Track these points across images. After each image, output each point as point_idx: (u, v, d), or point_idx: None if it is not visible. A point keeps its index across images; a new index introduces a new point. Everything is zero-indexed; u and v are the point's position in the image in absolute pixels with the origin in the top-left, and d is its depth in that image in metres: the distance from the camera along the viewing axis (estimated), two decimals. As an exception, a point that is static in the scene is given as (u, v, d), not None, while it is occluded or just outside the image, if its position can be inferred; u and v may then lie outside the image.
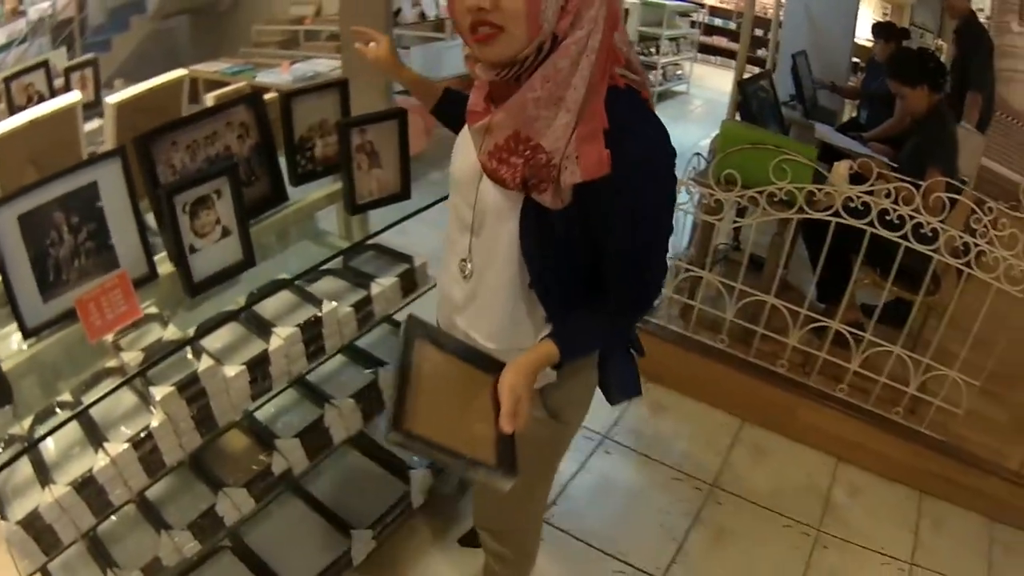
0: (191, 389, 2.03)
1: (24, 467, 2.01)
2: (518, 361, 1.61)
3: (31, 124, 2.20)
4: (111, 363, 2.10)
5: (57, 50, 8.00)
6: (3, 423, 1.90)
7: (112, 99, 2.21)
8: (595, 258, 1.63)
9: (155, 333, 2.14)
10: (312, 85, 2.52)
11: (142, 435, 1.97)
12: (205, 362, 2.07)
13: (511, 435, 1.54)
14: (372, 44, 2.24)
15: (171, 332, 2.14)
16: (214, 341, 2.20)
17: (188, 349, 2.14)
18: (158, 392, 1.98)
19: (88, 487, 1.92)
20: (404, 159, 2.57)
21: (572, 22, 1.43)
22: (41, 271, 1.87)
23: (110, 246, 1.97)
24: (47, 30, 11.01)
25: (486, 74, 1.52)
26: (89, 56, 4.68)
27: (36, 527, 1.87)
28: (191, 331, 2.14)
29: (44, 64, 4.52)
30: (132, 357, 2.05)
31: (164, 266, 2.10)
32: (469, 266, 1.75)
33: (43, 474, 1.96)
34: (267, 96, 2.39)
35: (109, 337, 2.08)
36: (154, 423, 1.98)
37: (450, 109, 2.12)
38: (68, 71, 4.36)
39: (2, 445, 1.89)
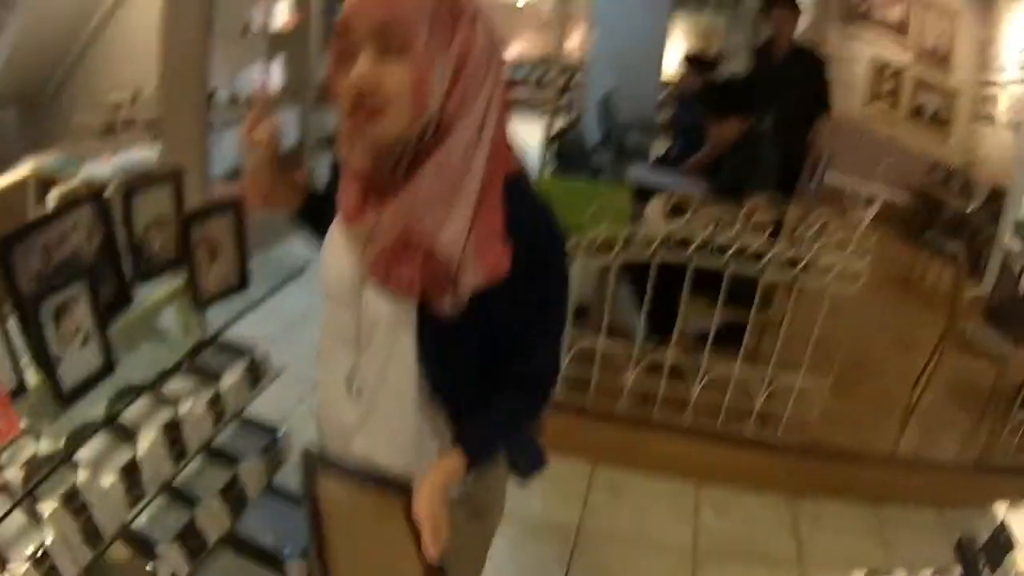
0: (74, 502, 2.00)
1: None
2: (428, 481, 1.50)
3: None
4: None
5: None
6: None
7: None
8: (495, 350, 1.56)
9: (30, 447, 2.10)
10: (146, 178, 2.53)
11: (39, 554, 1.91)
12: (82, 474, 2.05)
13: (438, 562, 1.48)
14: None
15: (44, 446, 2.11)
16: (84, 451, 2.16)
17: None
18: (46, 507, 1.95)
19: None
20: (242, 249, 2.57)
21: (461, 102, 1.39)
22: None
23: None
24: None
25: (362, 161, 1.44)
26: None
27: None
28: (61, 443, 2.11)
29: None
30: (13, 474, 2.02)
31: (29, 376, 2.04)
32: (359, 382, 1.63)
33: None
34: (107, 193, 2.37)
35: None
36: (48, 540, 1.93)
37: (317, 211, 1.82)
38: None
39: None
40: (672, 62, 7.90)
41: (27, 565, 1.90)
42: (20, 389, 1.99)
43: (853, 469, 3.81)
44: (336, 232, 1.62)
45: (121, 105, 6.88)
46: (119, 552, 2.33)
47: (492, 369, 1.59)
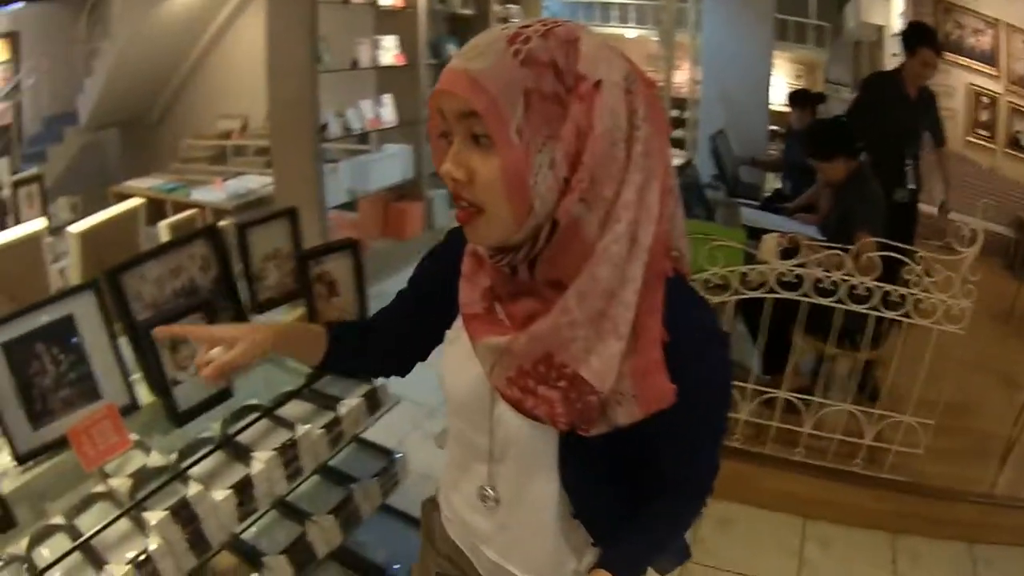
0: (184, 513, 2.05)
1: None
2: None
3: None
4: (99, 488, 2.17)
5: (-1, 159, 7.93)
6: (1, 542, 1.95)
7: (74, 229, 2.26)
8: (647, 464, 1.38)
9: (138, 459, 2.21)
10: (262, 215, 2.61)
11: (141, 558, 1.98)
12: (193, 487, 2.10)
13: None
14: (215, 351, 1.48)
15: (154, 459, 2.21)
16: (196, 466, 2.23)
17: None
18: (153, 517, 2.01)
19: None
20: (360, 283, 2.64)
21: (586, 197, 1.13)
22: (28, 400, 1.95)
23: (92, 377, 2.05)
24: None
25: (482, 249, 1.30)
26: (34, 171, 4.71)
27: None
28: (172, 456, 2.23)
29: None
30: (120, 483, 2.12)
31: (143, 394, 2.17)
32: (493, 494, 1.47)
33: None
34: (221, 224, 2.49)
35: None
36: (152, 546, 2.00)
37: (344, 353, 1.67)
38: (16, 185, 4.37)
39: (6, 558, 1.95)
40: (776, 97, 7.77)
41: (127, 568, 1.95)
42: (132, 407, 2.12)
43: (951, 507, 3.69)
44: (457, 340, 1.44)
45: (230, 133, 6.98)
46: (225, 560, 2.41)
47: (643, 482, 1.43)
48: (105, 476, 2.15)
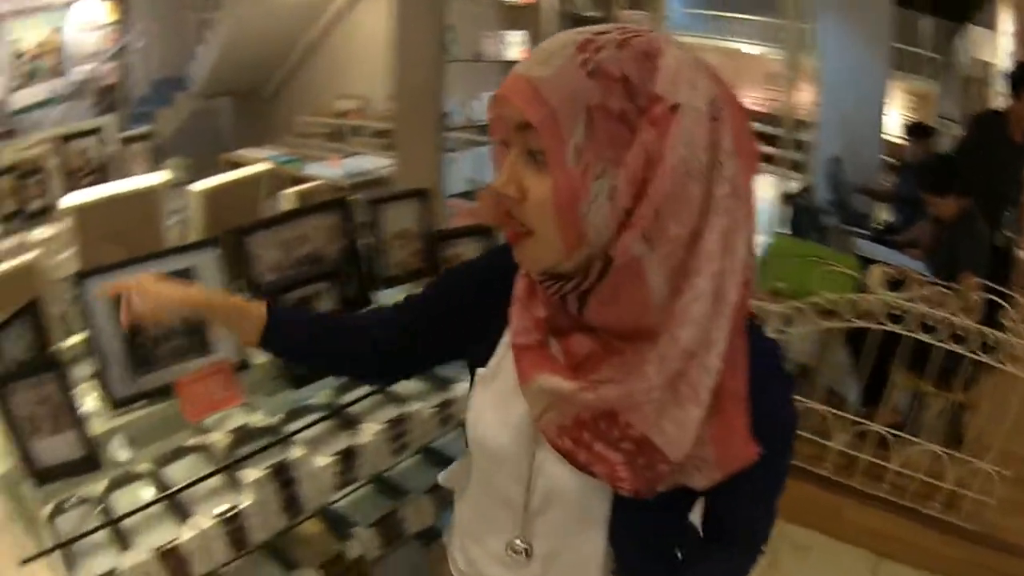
0: (282, 475, 2.05)
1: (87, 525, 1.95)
2: None
3: (113, 199, 2.25)
4: (192, 441, 2.17)
5: (104, 117, 8.13)
6: (77, 482, 1.95)
7: (196, 187, 2.28)
8: (704, 519, 1.31)
9: (239, 418, 2.21)
10: (392, 194, 2.61)
11: (229, 514, 1.98)
12: (296, 451, 2.10)
13: None
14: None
15: (257, 419, 2.21)
16: (301, 432, 2.22)
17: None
18: (249, 475, 2.02)
19: (171, 557, 1.91)
20: None
21: (649, 235, 1.00)
22: (134, 346, 1.97)
23: (204, 330, 2.07)
24: (89, 94, 11.26)
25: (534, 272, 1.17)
26: (144, 129, 4.79)
27: None
28: (276, 419, 2.23)
29: (96, 131, 4.62)
30: (219, 439, 2.12)
31: (254, 354, 2.16)
32: (525, 548, 1.32)
33: (121, 538, 1.93)
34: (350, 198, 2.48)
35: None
36: (244, 503, 2.01)
37: (283, 336, 1.54)
38: (125, 141, 4.45)
39: (76, 500, 1.97)
40: (891, 126, 7.61)
41: (214, 521, 1.96)
42: (243, 365, 2.10)
43: (1016, 563, 3.58)
44: (495, 378, 1.31)
45: (348, 112, 7.05)
46: (312, 526, 2.40)
47: (695, 534, 1.35)
48: (203, 431, 2.17)
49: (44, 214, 4.37)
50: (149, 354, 1.99)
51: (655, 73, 1.00)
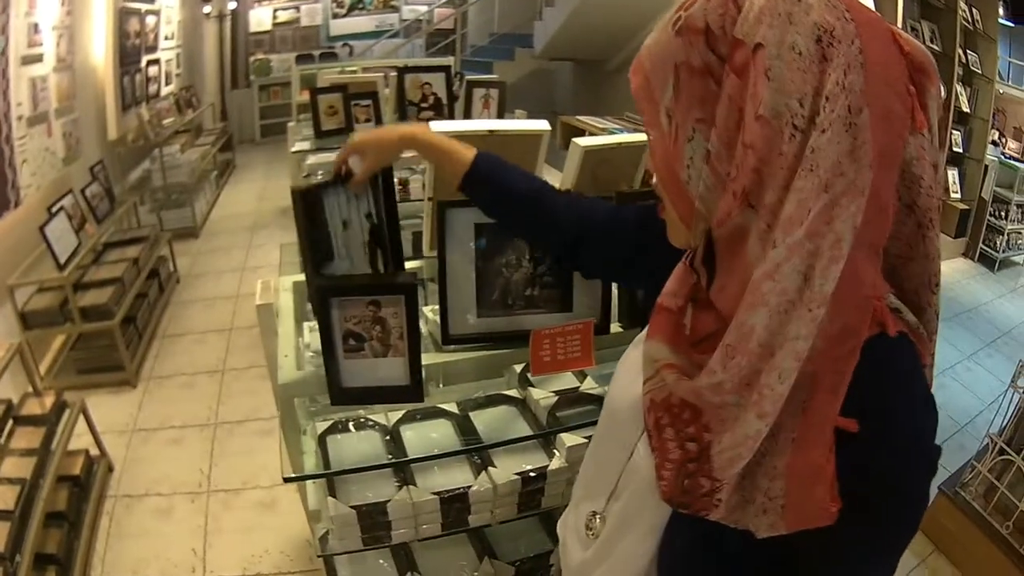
0: None
1: (376, 457, 1.97)
2: None
3: (492, 134, 2.18)
4: (511, 392, 2.16)
5: (444, 57, 8.42)
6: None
7: (582, 142, 2.21)
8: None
9: (569, 380, 2.17)
10: None
11: (532, 473, 1.96)
12: None
13: None
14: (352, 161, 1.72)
15: (588, 384, 2.16)
16: None
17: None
18: (568, 439, 1.98)
19: (454, 503, 1.92)
20: None
21: (745, 199, 0.85)
22: (486, 287, 1.95)
23: (569, 288, 2.01)
24: (423, 34, 11.76)
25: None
26: (495, 77, 4.87)
27: (373, 519, 1.87)
28: (604, 388, 2.15)
29: (446, 69, 4.73)
30: (541, 395, 2.09)
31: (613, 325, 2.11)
32: (598, 525, 1.22)
33: (404, 474, 1.96)
34: None
35: (517, 367, 2.14)
36: (553, 465, 1.98)
37: (480, 184, 1.58)
38: (472, 84, 4.52)
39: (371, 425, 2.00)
40: None
41: (515, 478, 1.95)
42: (602, 330, 2.03)
43: None
44: (640, 343, 1.16)
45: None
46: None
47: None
48: (527, 385, 2.13)
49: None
50: (500, 297, 1.98)
51: (736, 14, 0.86)
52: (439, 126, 2.06)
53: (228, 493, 3.93)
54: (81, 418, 3.81)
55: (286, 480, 1.90)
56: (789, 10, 0.82)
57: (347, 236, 1.77)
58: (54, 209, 4.90)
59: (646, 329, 1.10)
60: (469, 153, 1.58)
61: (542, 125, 2.19)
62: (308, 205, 1.68)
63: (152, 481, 4.04)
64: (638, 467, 1.10)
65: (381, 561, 2.25)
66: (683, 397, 0.94)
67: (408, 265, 2.18)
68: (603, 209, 1.53)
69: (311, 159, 4.52)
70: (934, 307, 0.96)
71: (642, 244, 1.35)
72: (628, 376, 1.16)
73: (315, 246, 1.71)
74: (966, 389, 5.30)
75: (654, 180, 1.00)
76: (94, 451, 3.99)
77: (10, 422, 3.44)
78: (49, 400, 3.65)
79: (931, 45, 7.43)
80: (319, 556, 2.05)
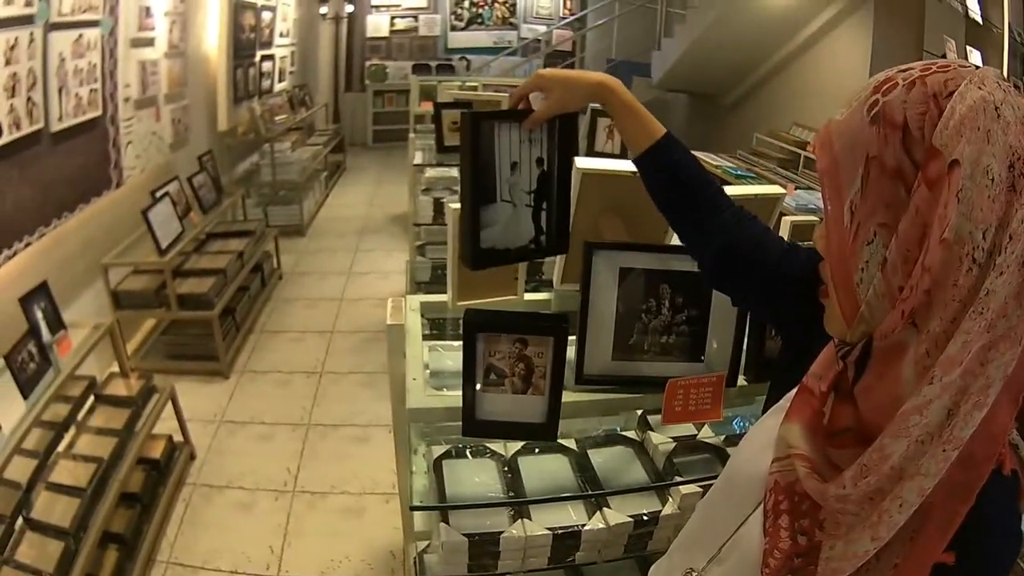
0: None
1: (492, 487, 2.00)
2: None
3: (635, 177, 2.18)
4: (628, 432, 2.19)
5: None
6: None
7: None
8: None
9: (686, 427, 2.18)
10: None
11: (645, 517, 1.96)
12: None
13: None
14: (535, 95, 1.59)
15: (705, 432, 2.18)
16: None
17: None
18: (684, 487, 1.98)
19: (565, 539, 1.91)
20: None
21: (911, 315, 0.82)
22: (623, 329, 1.94)
23: (702, 338, 1.99)
24: (540, 54, 11.84)
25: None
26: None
27: (483, 548, 1.87)
28: (721, 437, 2.19)
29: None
30: (660, 440, 2.11)
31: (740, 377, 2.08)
32: None
33: (518, 507, 1.96)
34: None
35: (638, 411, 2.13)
36: (665, 511, 1.97)
37: (659, 162, 1.51)
38: (596, 113, 4.51)
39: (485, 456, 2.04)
40: None
41: (628, 520, 1.94)
42: (730, 382, 1.98)
43: None
44: (783, 411, 1.09)
45: (805, 143, 6.83)
46: None
47: None
48: (647, 428, 2.13)
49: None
50: (636, 342, 1.97)
51: (938, 118, 0.81)
52: (587, 163, 2.06)
53: (314, 495, 3.96)
54: (168, 404, 3.89)
55: (412, 509, 1.93)
56: (988, 127, 0.78)
57: (514, 179, 1.64)
58: (158, 194, 5.01)
59: (785, 401, 1.10)
60: (657, 127, 1.52)
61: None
62: (477, 134, 1.56)
63: (235, 474, 4.09)
64: (746, 539, 1.08)
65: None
66: (802, 487, 0.94)
67: (535, 297, 2.19)
68: (769, 233, 1.48)
69: (430, 172, 4.55)
70: None
71: (800, 291, 1.26)
72: (758, 446, 1.14)
73: (478, 182, 1.59)
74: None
75: (822, 265, 0.96)
76: (177, 437, 4.06)
77: (91, 399, 3.52)
78: (136, 382, 3.74)
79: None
80: (417, 576, 2.06)
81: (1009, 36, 6.30)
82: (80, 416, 3.40)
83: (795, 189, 5.50)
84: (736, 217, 1.46)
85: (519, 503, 1.94)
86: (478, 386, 1.74)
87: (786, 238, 2.28)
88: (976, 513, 0.83)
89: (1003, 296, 0.76)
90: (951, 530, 0.83)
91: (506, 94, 5.25)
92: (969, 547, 0.84)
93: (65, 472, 3.02)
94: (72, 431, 3.31)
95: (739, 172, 6.40)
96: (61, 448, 3.18)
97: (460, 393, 1.76)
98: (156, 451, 3.76)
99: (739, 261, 1.43)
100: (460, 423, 1.79)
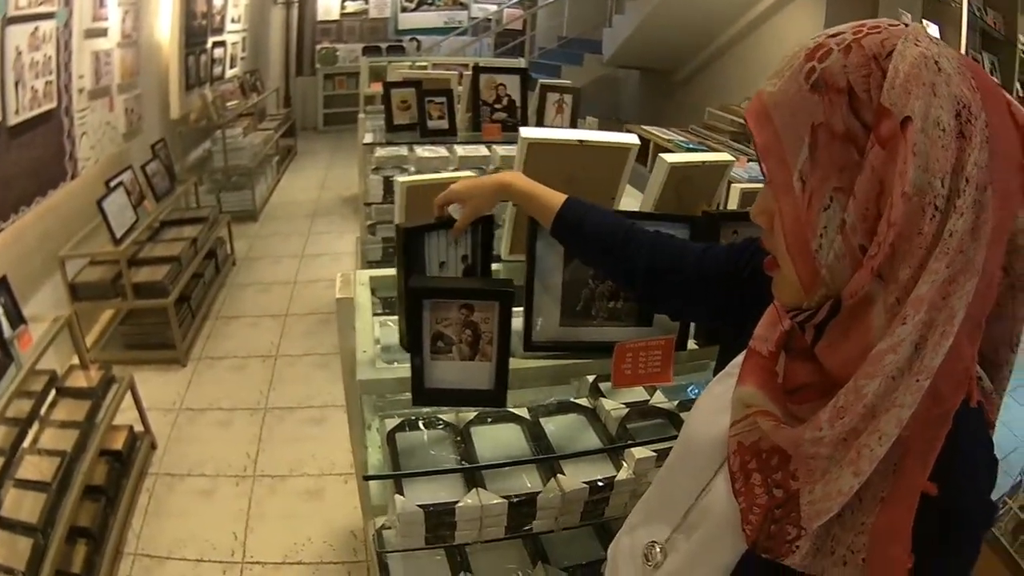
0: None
1: (446, 458, 2.00)
2: None
3: (582, 144, 2.17)
4: (580, 399, 2.19)
5: (515, 59, 8.43)
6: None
7: (669, 158, 2.18)
8: None
9: (638, 392, 2.18)
10: None
11: (600, 483, 1.96)
12: None
13: None
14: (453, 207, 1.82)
15: (658, 398, 2.19)
16: None
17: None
18: (638, 452, 1.98)
19: (521, 508, 1.92)
20: None
21: (885, 281, 0.84)
22: (571, 297, 1.94)
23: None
24: (491, 33, 11.80)
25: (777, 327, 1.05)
26: (569, 83, 4.85)
27: (439, 519, 1.87)
28: (674, 403, 2.19)
29: (522, 71, 4.71)
30: (612, 406, 2.11)
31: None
32: (660, 557, 1.20)
33: (473, 477, 1.96)
34: None
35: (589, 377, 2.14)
36: (620, 476, 1.98)
37: (568, 229, 1.62)
38: (545, 88, 4.51)
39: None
40: None
41: (582, 486, 1.94)
42: (681, 347, 2.01)
43: None
44: (732, 376, 1.12)
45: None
46: None
47: None
48: (598, 395, 2.14)
49: (442, 134, 4.61)
50: (583, 308, 1.97)
51: (882, 79, 0.83)
52: (533, 132, 2.06)
53: (274, 479, 3.96)
54: (128, 394, 3.86)
55: (365, 478, 1.92)
56: (932, 80, 0.81)
57: (442, 275, 1.89)
58: (112, 184, 4.97)
59: (732, 367, 1.15)
60: (557, 200, 1.63)
61: (631, 139, 2.17)
62: (410, 242, 1.82)
63: (196, 462, 4.08)
64: (713, 505, 1.09)
65: (437, 558, 2.25)
66: (775, 444, 0.96)
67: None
68: (687, 245, 1.53)
69: (380, 152, 4.53)
70: (1010, 365, 0.98)
71: (728, 285, 1.36)
72: (711, 411, 1.16)
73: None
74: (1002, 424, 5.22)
75: (765, 237, 0.99)
76: (138, 428, 4.04)
77: (52, 393, 3.49)
78: (96, 373, 3.70)
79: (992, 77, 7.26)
80: (378, 552, 2.05)
81: (968, 10, 6.31)
82: (43, 410, 3.36)
83: (747, 161, 5.55)
84: (652, 242, 1.53)
85: (473, 469, 1.94)
86: (426, 354, 1.74)
87: (735, 206, 2.31)
88: (951, 444, 0.86)
89: (961, 233, 0.80)
90: (931, 456, 0.86)
91: (455, 72, 5.25)
92: (949, 476, 0.87)
93: (31, 467, 2.99)
94: (36, 426, 3.27)
95: (691, 145, 6.44)
96: (26, 444, 3.14)
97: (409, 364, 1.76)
98: (118, 442, 3.73)
99: (662, 277, 1.50)
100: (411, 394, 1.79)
